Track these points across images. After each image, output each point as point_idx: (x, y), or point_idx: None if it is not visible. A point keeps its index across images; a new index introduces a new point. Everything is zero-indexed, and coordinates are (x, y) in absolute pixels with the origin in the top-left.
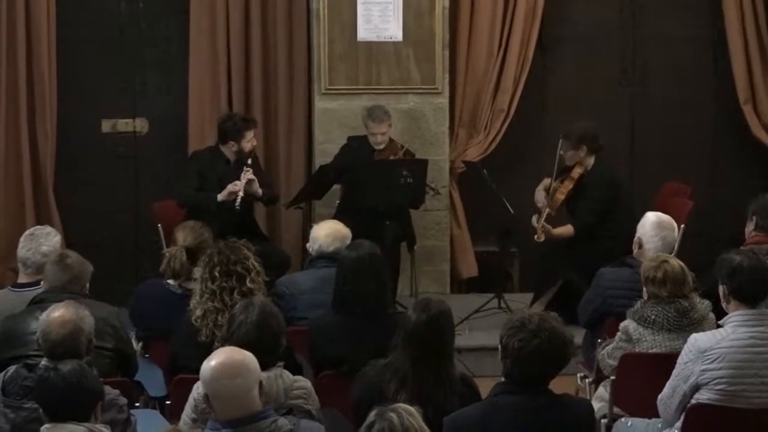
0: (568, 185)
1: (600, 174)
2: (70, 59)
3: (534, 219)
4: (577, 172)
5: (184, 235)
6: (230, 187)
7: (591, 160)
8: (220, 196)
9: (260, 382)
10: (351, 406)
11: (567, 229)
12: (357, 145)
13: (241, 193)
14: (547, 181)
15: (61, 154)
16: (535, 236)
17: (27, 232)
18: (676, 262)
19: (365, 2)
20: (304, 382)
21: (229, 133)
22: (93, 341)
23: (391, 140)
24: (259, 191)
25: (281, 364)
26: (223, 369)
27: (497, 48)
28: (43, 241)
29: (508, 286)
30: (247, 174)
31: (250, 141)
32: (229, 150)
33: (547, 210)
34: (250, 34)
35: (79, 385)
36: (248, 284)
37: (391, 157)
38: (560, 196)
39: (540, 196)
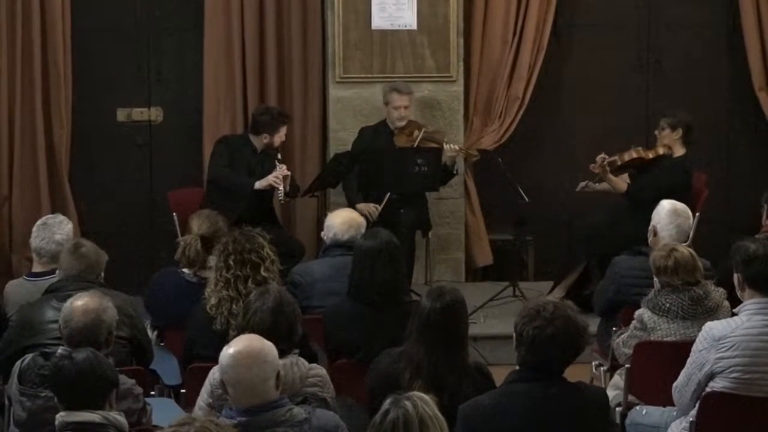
0: (649, 153)
1: (680, 164)
2: (86, 48)
3: (600, 156)
4: (662, 149)
5: (198, 224)
6: (272, 180)
7: (681, 150)
8: (258, 184)
9: (278, 373)
10: (366, 394)
11: (621, 184)
12: (370, 135)
13: (281, 188)
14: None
15: (76, 142)
16: (591, 165)
17: (39, 222)
18: (685, 250)
19: None
20: (319, 370)
21: (264, 126)
22: (113, 333)
23: (411, 121)
24: (287, 188)
25: (297, 351)
26: (240, 357)
27: (512, 35)
28: (56, 229)
29: (523, 275)
30: (283, 169)
31: (281, 136)
32: (259, 141)
33: (616, 158)
34: (264, 23)
35: (93, 374)
36: (263, 273)
37: (415, 133)
38: (634, 154)
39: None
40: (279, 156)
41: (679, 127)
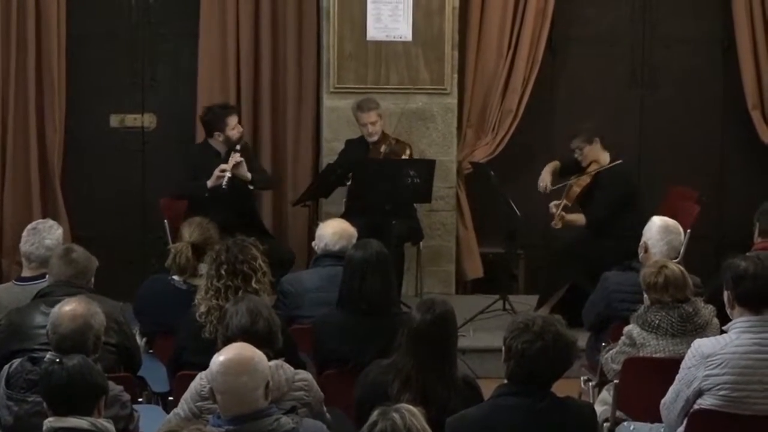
0: (586, 179)
1: (615, 172)
2: (80, 53)
3: (552, 205)
4: (593, 167)
5: (190, 231)
6: (216, 171)
7: (606, 157)
8: (209, 182)
9: (267, 382)
10: (354, 405)
11: (580, 217)
12: (353, 147)
13: (228, 174)
14: (554, 164)
15: (69, 148)
16: (552, 223)
17: (29, 226)
18: (675, 267)
19: (375, 1)
20: (305, 374)
21: (211, 124)
22: (101, 339)
23: (384, 134)
24: (248, 175)
25: (282, 359)
26: (230, 365)
27: (507, 48)
28: (46, 234)
29: (513, 288)
30: (235, 157)
31: (235, 128)
32: (217, 142)
33: (564, 201)
34: (259, 32)
35: (83, 380)
36: (254, 284)
37: (382, 148)
38: (577, 189)
39: (546, 177)
40: (238, 147)
41: (594, 137)
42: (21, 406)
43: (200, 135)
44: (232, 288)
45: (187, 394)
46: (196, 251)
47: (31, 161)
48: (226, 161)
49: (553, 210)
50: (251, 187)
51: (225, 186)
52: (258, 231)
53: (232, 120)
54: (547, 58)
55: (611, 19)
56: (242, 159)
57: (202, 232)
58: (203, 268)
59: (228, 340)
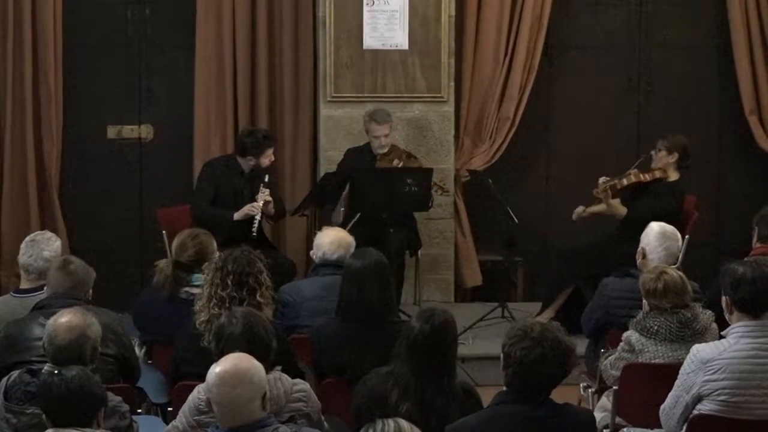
0: (645, 176)
1: (673, 191)
2: (77, 65)
3: (602, 179)
4: (658, 172)
5: (179, 243)
6: (247, 210)
7: (675, 174)
8: (236, 215)
9: (264, 393)
10: (352, 414)
11: (620, 209)
12: (355, 156)
13: (258, 217)
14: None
15: (67, 159)
16: (594, 190)
17: (28, 238)
18: (675, 273)
19: (371, 10)
20: (303, 385)
21: (249, 148)
22: (98, 349)
23: (393, 146)
24: (272, 211)
25: (279, 368)
26: (226, 376)
27: (503, 56)
28: (44, 246)
29: (512, 296)
30: (264, 195)
31: (268, 157)
32: (246, 163)
33: (616, 180)
34: (256, 41)
35: (82, 391)
36: (258, 298)
37: (395, 162)
38: (633, 178)
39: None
40: (266, 178)
41: (675, 151)
42: (20, 418)
43: (198, 146)
44: (237, 299)
45: (185, 408)
46: (186, 265)
47: (29, 173)
48: (250, 182)
49: (602, 180)
50: (270, 223)
51: (254, 233)
52: (263, 244)
53: (270, 151)
54: (544, 65)
55: (607, 25)
56: (271, 199)
57: (196, 246)
58: (202, 277)
59: (222, 353)
